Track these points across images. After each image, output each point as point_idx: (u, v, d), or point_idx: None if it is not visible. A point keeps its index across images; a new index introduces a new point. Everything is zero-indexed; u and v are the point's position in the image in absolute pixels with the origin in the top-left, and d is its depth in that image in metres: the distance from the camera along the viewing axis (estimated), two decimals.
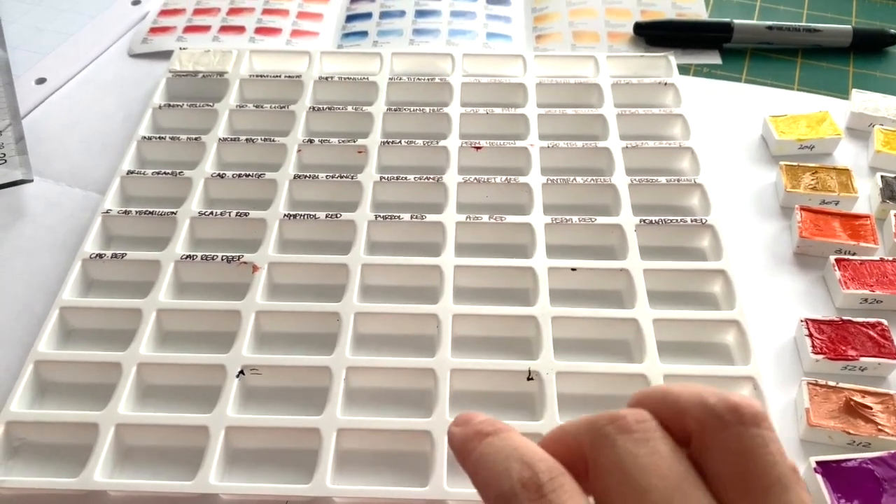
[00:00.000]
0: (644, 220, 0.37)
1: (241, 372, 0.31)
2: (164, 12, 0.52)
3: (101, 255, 0.36)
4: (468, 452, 0.21)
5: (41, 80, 0.47)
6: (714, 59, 0.48)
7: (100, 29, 0.51)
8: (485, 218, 0.37)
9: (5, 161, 0.40)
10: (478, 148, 0.41)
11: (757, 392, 0.31)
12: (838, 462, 0.29)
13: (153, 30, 0.50)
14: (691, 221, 0.37)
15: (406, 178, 0.39)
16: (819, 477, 0.29)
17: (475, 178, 0.39)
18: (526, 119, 0.42)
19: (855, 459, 0.30)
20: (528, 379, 0.32)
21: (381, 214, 0.37)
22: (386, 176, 0.39)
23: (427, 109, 0.43)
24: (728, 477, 0.18)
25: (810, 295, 0.36)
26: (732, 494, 0.18)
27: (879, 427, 0.31)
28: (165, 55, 0.48)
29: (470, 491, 0.28)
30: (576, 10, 0.51)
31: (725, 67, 0.48)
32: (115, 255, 0.36)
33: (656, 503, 0.18)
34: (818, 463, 0.29)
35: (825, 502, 0.28)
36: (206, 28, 0.50)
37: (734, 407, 0.19)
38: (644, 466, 0.18)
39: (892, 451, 0.30)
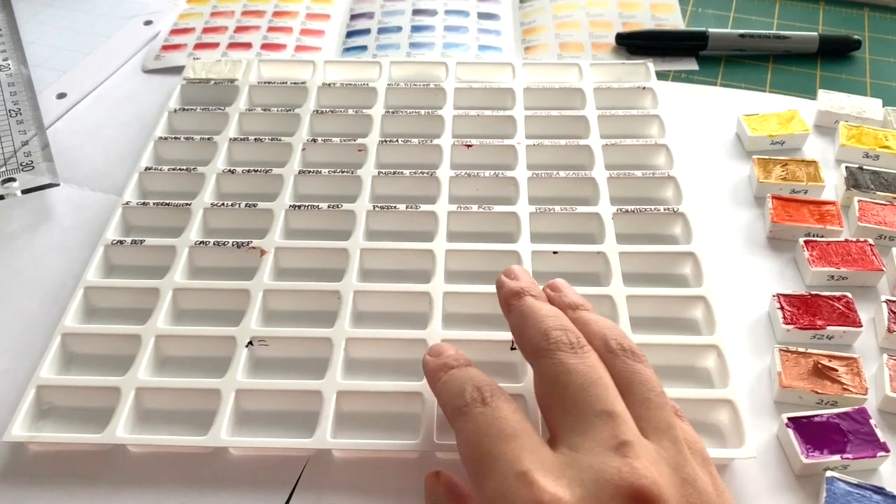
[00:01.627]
0: (621, 210, 0.40)
1: (250, 342, 0.34)
2: (175, 31, 0.55)
3: (121, 242, 0.39)
4: (436, 379, 0.29)
5: (62, 95, 0.51)
6: (691, 65, 0.52)
7: (115, 47, 0.55)
8: (474, 208, 0.41)
9: (33, 167, 0.44)
10: (469, 146, 0.44)
11: (721, 359, 0.34)
12: (808, 417, 0.32)
13: (165, 47, 0.54)
14: (664, 210, 0.40)
15: (402, 173, 0.42)
16: (790, 430, 0.32)
17: (466, 173, 0.43)
18: (514, 120, 0.46)
19: (823, 415, 0.32)
20: (511, 349, 0.34)
21: (379, 205, 0.41)
22: (384, 171, 0.42)
23: (422, 112, 0.46)
24: (620, 388, 0.27)
25: (782, 274, 0.39)
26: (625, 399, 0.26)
27: (845, 387, 0.33)
28: (178, 70, 0.52)
29: (454, 443, 0.30)
30: (561, 23, 0.55)
31: (702, 73, 0.51)
32: (134, 242, 0.39)
33: (577, 386, 0.26)
34: (789, 419, 0.32)
35: (796, 452, 0.31)
36: (215, 45, 0.54)
37: (622, 345, 0.28)
38: (573, 366, 0.26)
39: (857, 407, 0.33)
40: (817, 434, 0.32)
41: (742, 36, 0.52)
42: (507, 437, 0.25)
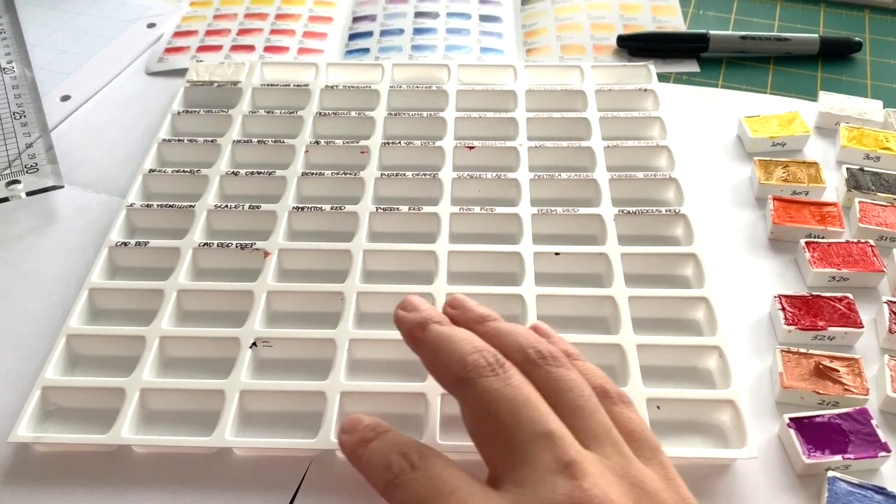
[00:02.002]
0: (622, 211, 0.40)
1: (254, 344, 0.35)
2: (177, 34, 0.56)
3: (125, 244, 0.39)
4: (358, 458, 0.27)
5: (66, 98, 0.51)
6: (692, 67, 0.52)
7: (118, 50, 0.55)
8: (477, 209, 0.41)
9: (37, 169, 0.44)
10: (471, 148, 0.44)
11: (722, 360, 0.34)
12: (810, 418, 0.32)
13: (168, 50, 0.54)
14: (665, 211, 0.40)
15: (405, 175, 0.43)
16: (792, 431, 0.32)
17: (468, 175, 0.43)
18: (516, 122, 0.46)
19: (824, 416, 0.32)
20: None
21: (382, 207, 0.41)
22: (386, 173, 0.43)
23: (425, 114, 0.47)
24: (549, 399, 0.26)
25: (783, 275, 0.39)
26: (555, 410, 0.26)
27: (846, 388, 0.34)
28: (181, 73, 0.52)
29: (459, 443, 0.31)
30: (563, 26, 0.55)
31: (703, 75, 0.52)
32: (138, 244, 0.39)
33: (506, 412, 0.25)
34: (791, 419, 0.32)
35: (797, 453, 0.31)
36: (218, 48, 0.54)
37: (541, 353, 0.27)
38: (497, 391, 0.26)
39: (858, 408, 0.33)
40: (819, 434, 0.32)
41: (743, 38, 0.52)
42: (445, 496, 0.24)
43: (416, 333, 0.29)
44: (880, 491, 0.30)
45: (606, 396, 0.27)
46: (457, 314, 0.30)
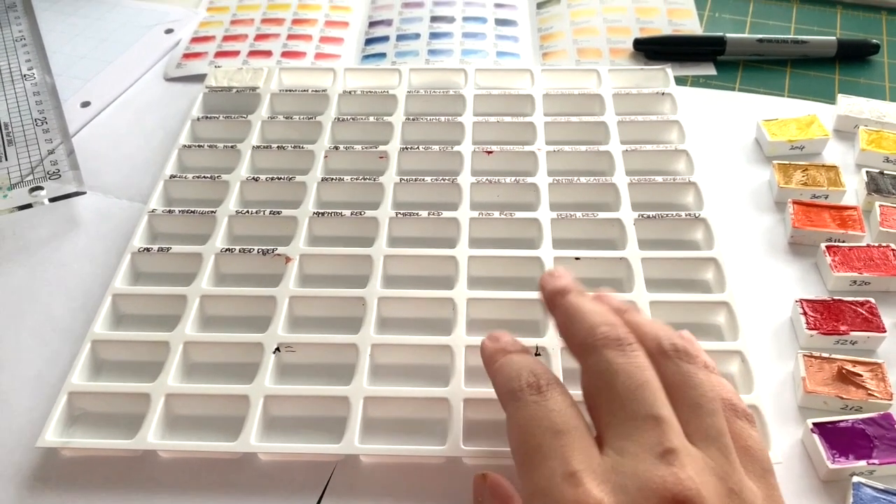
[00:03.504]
0: (642, 216, 0.40)
1: (277, 349, 0.35)
2: (195, 39, 0.56)
3: (147, 249, 0.39)
4: (493, 361, 0.29)
5: (86, 104, 0.51)
6: (709, 70, 0.52)
7: (137, 56, 0.55)
8: (496, 214, 0.41)
9: (59, 176, 0.44)
10: (489, 152, 0.45)
11: (745, 364, 0.34)
12: (833, 423, 0.32)
13: (186, 55, 0.55)
14: (685, 216, 0.40)
15: (424, 180, 0.43)
16: (816, 436, 0.32)
17: (487, 180, 0.43)
18: (533, 126, 0.46)
19: (848, 420, 0.32)
20: (536, 354, 0.35)
21: (402, 212, 0.41)
22: (405, 178, 0.43)
23: (442, 119, 0.47)
24: (670, 391, 0.26)
25: (804, 280, 0.39)
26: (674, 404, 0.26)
27: (869, 392, 0.34)
28: (199, 78, 0.52)
29: (481, 449, 0.31)
30: (579, 29, 0.55)
31: (720, 78, 0.52)
32: (160, 249, 0.39)
33: (624, 387, 0.25)
34: (815, 424, 0.32)
35: (822, 458, 0.31)
36: (236, 53, 0.54)
37: (675, 346, 0.28)
38: (620, 365, 0.26)
39: (882, 412, 0.33)
40: (843, 439, 0.32)
41: (760, 41, 0.52)
42: (559, 432, 0.25)
43: (556, 298, 0.30)
44: None
45: (732, 409, 0.27)
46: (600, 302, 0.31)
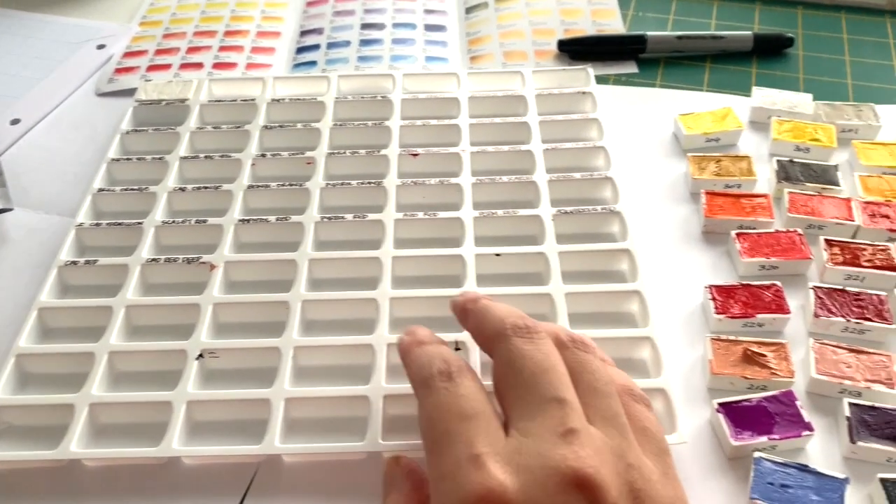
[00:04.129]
0: (561, 211, 0.42)
1: (201, 355, 0.36)
2: (127, 54, 0.56)
3: (74, 263, 0.40)
4: (408, 353, 0.30)
5: (15, 121, 0.51)
6: (631, 68, 0.53)
7: (68, 72, 0.55)
8: (420, 215, 0.42)
9: None
10: (415, 155, 0.46)
11: (654, 350, 0.35)
12: (738, 402, 0.34)
13: (118, 70, 0.55)
14: (601, 210, 0.42)
15: (350, 184, 0.44)
16: (721, 415, 0.33)
17: (412, 181, 0.44)
18: (459, 128, 0.47)
19: (752, 399, 0.34)
20: (456, 349, 0.36)
21: (327, 216, 0.42)
22: (332, 182, 0.44)
23: (370, 124, 0.48)
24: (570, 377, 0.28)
25: (716, 266, 0.41)
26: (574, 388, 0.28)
27: (773, 371, 0.35)
28: (130, 92, 0.52)
29: (400, 443, 0.32)
30: (506, 33, 0.56)
31: (642, 75, 0.53)
32: (87, 262, 0.40)
33: (531, 372, 0.27)
34: (720, 404, 0.34)
35: (726, 436, 0.32)
36: (168, 66, 0.55)
37: (572, 337, 0.30)
38: (528, 352, 0.28)
39: (784, 390, 0.34)
40: (746, 417, 0.33)
41: (679, 38, 0.54)
42: (466, 417, 0.26)
43: (468, 306, 0.32)
44: (802, 468, 0.31)
45: (629, 393, 0.29)
46: None
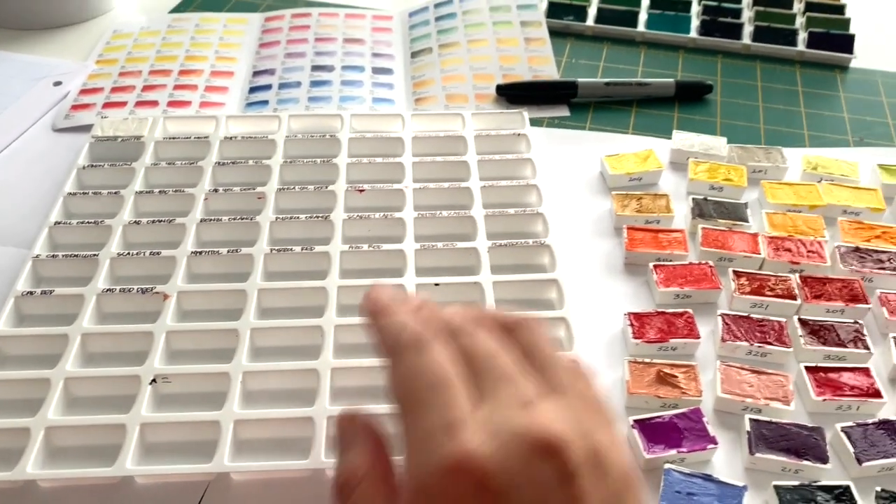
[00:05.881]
0: (496, 244, 0.45)
1: (154, 380, 0.38)
2: (84, 91, 0.58)
3: (31, 293, 0.42)
4: (377, 318, 0.30)
5: None
6: (564, 112, 0.58)
7: (25, 108, 0.57)
8: (365, 247, 0.45)
9: None
10: (361, 191, 0.49)
11: None
12: (651, 419, 0.37)
13: (75, 107, 0.57)
14: (533, 243, 0.45)
15: (298, 217, 0.46)
16: (635, 431, 0.37)
17: (358, 216, 0.47)
18: (403, 166, 0.50)
19: (664, 416, 0.37)
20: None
21: (276, 248, 0.44)
22: (281, 216, 0.46)
23: (318, 161, 0.51)
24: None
25: (636, 295, 0.44)
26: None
27: (683, 391, 0.39)
28: (87, 128, 0.54)
29: None
30: (448, 77, 0.60)
31: (573, 119, 0.57)
32: (44, 292, 0.42)
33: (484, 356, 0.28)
34: (635, 420, 0.37)
35: (640, 450, 0.36)
36: (123, 104, 0.57)
37: (518, 322, 0.30)
38: (479, 338, 0.28)
39: (692, 408, 0.38)
40: (658, 433, 0.37)
41: (608, 84, 0.58)
42: (437, 384, 0.26)
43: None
44: (706, 477, 0.35)
45: (575, 367, 0.30)
46: None
